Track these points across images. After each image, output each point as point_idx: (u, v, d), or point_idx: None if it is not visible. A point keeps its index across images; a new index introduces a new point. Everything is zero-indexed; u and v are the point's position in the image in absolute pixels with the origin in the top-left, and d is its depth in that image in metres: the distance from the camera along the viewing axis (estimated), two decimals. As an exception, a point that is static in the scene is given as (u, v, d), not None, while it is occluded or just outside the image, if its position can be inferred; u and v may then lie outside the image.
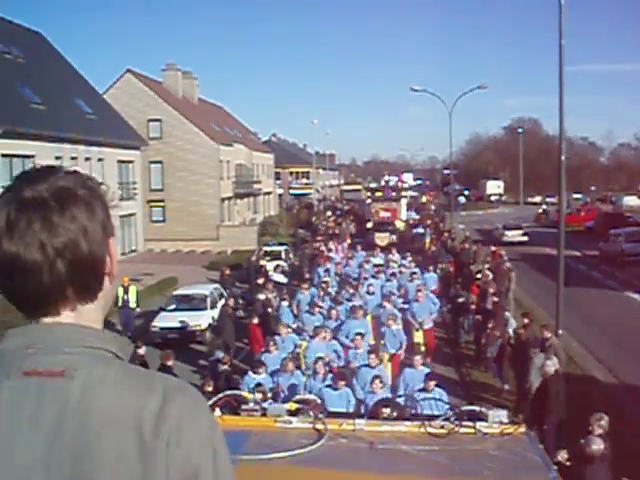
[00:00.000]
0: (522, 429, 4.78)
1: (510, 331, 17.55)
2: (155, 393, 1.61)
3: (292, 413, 5.24)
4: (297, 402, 6.65)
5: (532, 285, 31.11)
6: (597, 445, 8.81)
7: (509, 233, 51.49)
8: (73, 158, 36.68)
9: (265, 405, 5.70)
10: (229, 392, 6.29)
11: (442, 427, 4.74)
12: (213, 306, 23.60)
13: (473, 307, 20.82)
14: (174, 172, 53.31)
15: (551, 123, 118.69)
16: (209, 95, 68.90)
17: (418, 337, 19.09)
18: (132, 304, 23.93)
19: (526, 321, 16.44)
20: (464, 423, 4.74)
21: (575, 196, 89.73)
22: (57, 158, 34.82)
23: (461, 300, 21.20)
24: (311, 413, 5.14)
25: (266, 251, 35.92)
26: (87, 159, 38.51)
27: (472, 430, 4.72)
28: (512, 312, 20.92)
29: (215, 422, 1.73)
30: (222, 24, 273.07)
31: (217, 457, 1.67)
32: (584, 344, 21.78)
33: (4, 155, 30.34)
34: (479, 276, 24.38)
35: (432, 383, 11.83)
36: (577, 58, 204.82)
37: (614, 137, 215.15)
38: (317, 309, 18.69)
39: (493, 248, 32.49)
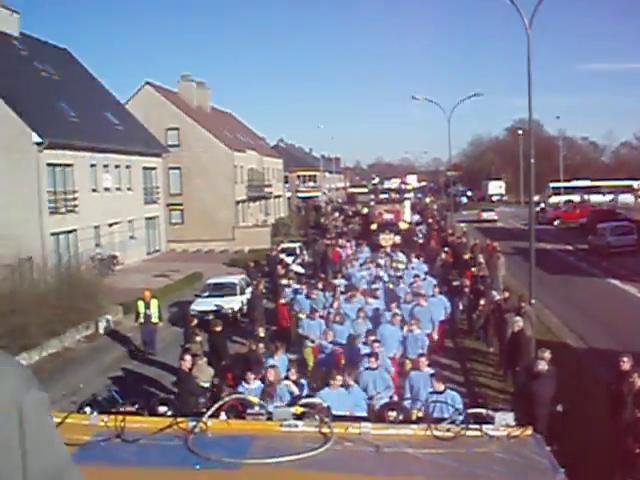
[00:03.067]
0: (529, 432, 4.92)
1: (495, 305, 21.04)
2: None
3: (298, 417, 5.32)
4: (303, 406, 6.61)
5: (523, 273, 34.42)
6: (542, 365, 12.35)
7: (485, 214, 72.76)
8: (105, 166, 40.35)
9: (271, 409, 5.72)
10: (234, 396, 6.13)
11: (448, 430, 4.86)
12: (242, 292, 27.29)
13: (467, 290, 24.26)
14: (191, 177, 56.89)
15: (551, 124, 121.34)
16: (216, 102, 72.21)
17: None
18: (155, 319, 23.32)
19: (506, 294, 20.15)
20: (470, 426, 4.88)
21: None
22: (92, 166, 38.54)
23: (456, 284, 24.65)
24: (317, 417, 5.19)
25: (282, 248, 39.41)
26: (116, 167, 42.17)
27: (479, 433, 4.85)
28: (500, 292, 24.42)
29: (27, 388, 1.75)
30: (224, 32, 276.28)
31: (26, 424, 1.69)
32: (562, 319, 25.36)
33: (48, 164, 33.91)
34: (474, 264, 27.89)
35: (441, 384, 11.79)
36: (579, 58, 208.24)
37: (615, 136, 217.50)
38: (317, 314, 18.95)
39: (488, 241, 35.99)
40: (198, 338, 17.03)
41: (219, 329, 17.85)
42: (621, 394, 11.68)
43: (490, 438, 4.78)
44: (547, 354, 13.10)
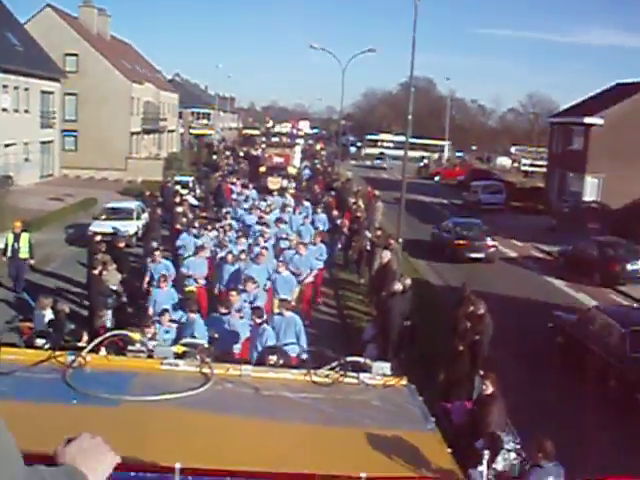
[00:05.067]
0: (403, 382, 5.14)
1: (367, 242, 23.77)
2: None
3: (179, 356, 5.43)
4: (184, 345, 7.08)
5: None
6: (397, 286, 15.07)
7: (377, 162, 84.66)
8: (4, 86, 40.68)
9: (151, 346, 5.76)
10: (115, 332, 6.13)
11: (327, 376, 5.02)
12: (138, 217, 29.09)
13: (345, 229, 26.85)
14: (88, 105, 56.95)
15: (445, 84, 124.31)
16: (115, 31, 71.85)
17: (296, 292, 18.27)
18: (23, 254, 21.08)
19: (379, 233, 22.92)
20: (348, 373, 5.07)
21: (457, 154, 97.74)
22: (-9, 85, 38.89)
23: (338, 222, 27.23)
24: (198, 357, 5.29)
25: (177, 180, 41.04)
26: (15, 88, 42.48)
27: (356, 381, 5.04)
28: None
29: None
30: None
31: None
32: (428, 263, 28.57)
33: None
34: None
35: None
36: (477, 21, 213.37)
37: (502, 102, 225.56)
38: (202, 252, 18.36)
39: (369, 188, 38.88)
40: (103, 250, 18.79)
41: (122, 245, 19.83)
42: (457, 315, 14.62)
43: (366, 386, 5.01)
44: (408, 281, 15.85)
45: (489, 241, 29.71)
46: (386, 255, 18.95)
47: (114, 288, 16.19)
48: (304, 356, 11.80)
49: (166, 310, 13.17)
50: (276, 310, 14.49)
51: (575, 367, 16.21)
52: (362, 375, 5.12)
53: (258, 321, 12.40)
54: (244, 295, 14.58)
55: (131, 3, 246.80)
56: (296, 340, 13.00)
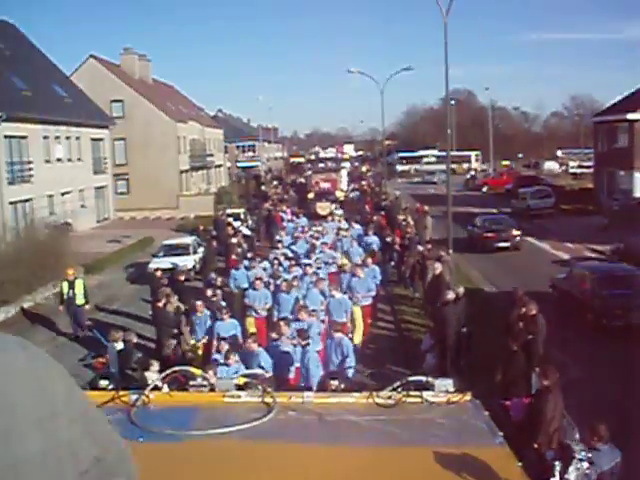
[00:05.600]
0: (467, 397, 5.02)
1: (419, 257, 24.17)
2: None
3: (240, 387, 5.43)
4: (245, 376, 7.16)
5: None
6: (450, 295, 15.47)
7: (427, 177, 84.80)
8: (57, 138, 42.29)
9: (213, 380, 5.79)
10: (177, 368, 6.20)
11: (389, 397, 4.93)
12: (195, 252, 29.96)
13: (396, 246, 27.32)
14: (136, 148, 58.78)
15: (484, 94, 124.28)
16: (157, 74, 73.94)
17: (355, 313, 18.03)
18: (79, 300, 21.25)
19: (429, 246, 23.32)
20: (411, 393, 5.00)
21: (504, 162, 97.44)
22: (44, 138, 40.50)
23: (389, 239, 27.70)
24: (259, 387, 5.24)
25: (228, 213, 41.98)
26: (67, 138, 44.10)
27: (419, 400, 4.95)
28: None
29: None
30: (169, 6, 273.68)
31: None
32: (482, 271, 28.83)
33: (5, 136, 35.82)
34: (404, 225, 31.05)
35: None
36: (512, 28, 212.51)
37: (545, 106, 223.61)
38: (259, 283, 18.26)
39: (418, 205, 39.26)
40: (165, 284, 19.58)
41: (182, 278, 20.63)
42: (510, 317, 14.98)
43: (430, 404, 4.92)
44: (461, 289, 16.32)
45: (513, 232, 34.23)
46: (438, 267, 19.39)
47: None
48: (350, 373, 12.71)
49: (228, 341, 13.45)
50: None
51: (565, 309, 21.12)
52: (425, 393, 5.10)
53: (303, 343, 12.76)
54: (298, 324, 14.50)
55: (169, 46, 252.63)
56: (344, 361, 13.16)
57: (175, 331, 16.35)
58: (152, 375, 11.32)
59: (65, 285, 21.33)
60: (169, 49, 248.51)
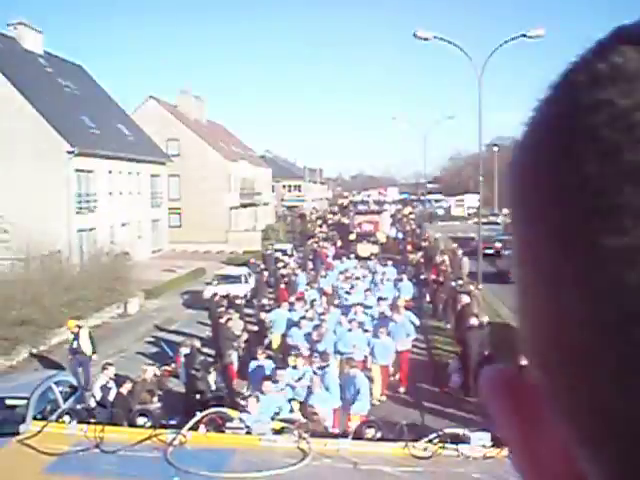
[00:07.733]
0: (505, 452, 4.69)
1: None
2: None
3: (277, 432, 5.41)
4: (282, 421, 7.17)
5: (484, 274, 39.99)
6: (473, 320, 17.69)
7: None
8: (119, 172, 45.55)
9: (250, 423, 5.80)
10: (214, 410, 6.20)
11: (425, 449, 4.94)
12: (246, 281, 32.55)
13: (434, 284, 29.58)
14: (189, 184, 61.87)
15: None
16: (210, 113, 77.68)
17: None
18: (86, 352, 19.58)
19: (461, 282, 25.62)
20: (447, 445, 5.01)
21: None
22: (109, 172, 43.76)
23: (423, 277, 30.02)
24: (295, 432, 5.29)
25: (276, 248, 44.58)
26: (129, 173, 47.37)
27: (455, 453, 4.96)
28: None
29: None
30: (218, 45, 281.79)
31: None
32: (512, 308, 30.70)
33: (76, 170, 39.09)
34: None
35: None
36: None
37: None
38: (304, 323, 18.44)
39: (454, 245, 41.54)
40: (224, 305, 22.05)
41: (238, 302, 23.19)
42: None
43: (466, 458, 4.85)
44: (485, 318, 18.56)
45: None
46: (465, 299, 21.61)
47: (238, 334, 19.37)
48: (363, 407, 13.02)
49: (268, 380, 13.16)
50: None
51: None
52: (461, 446, 5.07)
53: (322, 364, 13.99)
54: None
55: (223, 88, 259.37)
56: (357, 396, 13.42)
57: (235, 344, 18.79)
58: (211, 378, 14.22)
59: (71, 337, 19.99)
60: (221, 90, 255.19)
